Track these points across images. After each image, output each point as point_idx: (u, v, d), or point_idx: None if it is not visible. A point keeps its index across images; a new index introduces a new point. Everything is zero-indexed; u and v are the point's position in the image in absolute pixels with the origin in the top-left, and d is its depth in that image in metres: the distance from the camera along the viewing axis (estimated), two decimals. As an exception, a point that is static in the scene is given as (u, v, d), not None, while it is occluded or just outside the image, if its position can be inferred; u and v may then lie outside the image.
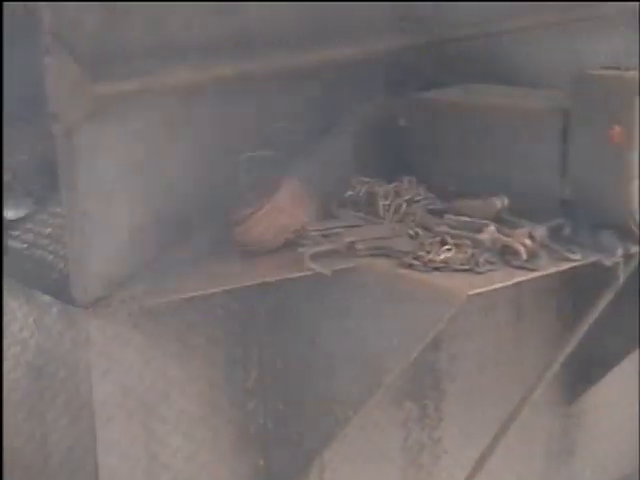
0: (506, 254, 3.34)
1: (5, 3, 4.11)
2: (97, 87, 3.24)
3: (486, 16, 4.12)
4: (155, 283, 3.42)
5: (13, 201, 4.05)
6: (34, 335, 3.69)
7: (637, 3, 4.30)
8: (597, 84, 3.45)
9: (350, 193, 3.77)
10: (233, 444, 3.80)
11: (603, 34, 4.40)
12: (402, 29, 3.94)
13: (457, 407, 4.19)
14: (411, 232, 3.53)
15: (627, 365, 4.38)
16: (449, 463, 4.23)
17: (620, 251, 3.37)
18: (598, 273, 3.42)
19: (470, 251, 3.33)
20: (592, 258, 3.37)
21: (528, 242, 3.35)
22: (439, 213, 3.64)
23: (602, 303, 3.59)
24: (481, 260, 3.30)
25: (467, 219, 3.48)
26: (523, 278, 3.27)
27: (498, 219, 3.49)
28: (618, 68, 3.47)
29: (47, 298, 3.60)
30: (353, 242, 3.45)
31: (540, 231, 3.40)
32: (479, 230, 3.40)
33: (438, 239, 3.40)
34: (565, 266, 3.34)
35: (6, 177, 4.11)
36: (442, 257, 3.32)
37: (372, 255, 3.44)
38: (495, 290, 3.23)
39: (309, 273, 3.34)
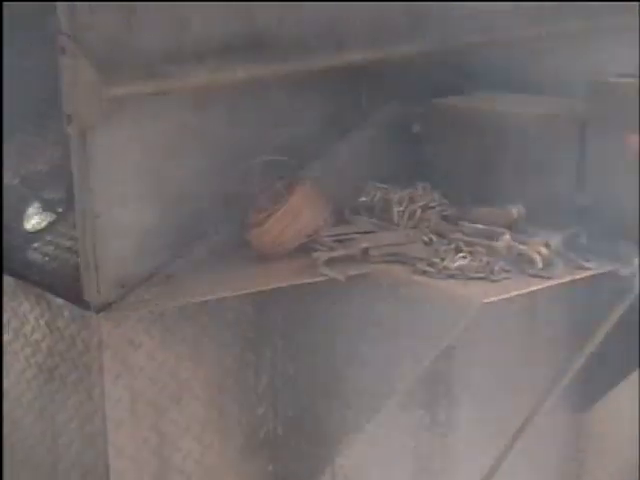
0: (521, 262, 3.33)
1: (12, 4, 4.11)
2: (112, 89, 3.23)
3: (504, 24, 4.10)
4: (168, 287, 3.42)
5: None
6: (46, 337, 3.68)
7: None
8: (614, 92, 3.44)
9: (364, 199, 3.76)
10: (242, 449, 3.79)
11: (620, 43, 4.38)
12: (419, 35, 3.93)
13: (469, 415, 4.16)
14: (425, 239, 3.52)
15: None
16: (460, 471, 4.20)
17: (637, 261, 3.35)
18: (614, 282, 3.40)
19: (485, 259, 3.32)
20: (608, 267, 3.35)
21: (544, 250, 3.33)
22: (454, 220, 3.63)
23: (617, 313, 3.57)
24: (496, 268, 3.29)
25: (482, 227, 3.47)
26: (538, 287, 3.25)
27: (514, 227, 3.47)
28: (634, 76, 3.45)
29: (59, 301, 3.59)
30: (367, 248, 3.44)
31: (556, 240, 3.39)
32: (494, 238, 3.39)
33: (453, 246, 3.39)
34: (580, 275, 3.33)
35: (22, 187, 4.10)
36: (457, 264, 3.31)
37: (386, 261, 3.43)
38: (510, 298, 3.21)
39: (323, 279, 3.33)
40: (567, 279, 3.32)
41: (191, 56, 3.43)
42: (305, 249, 3.51)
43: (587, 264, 3.34)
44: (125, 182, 3.37)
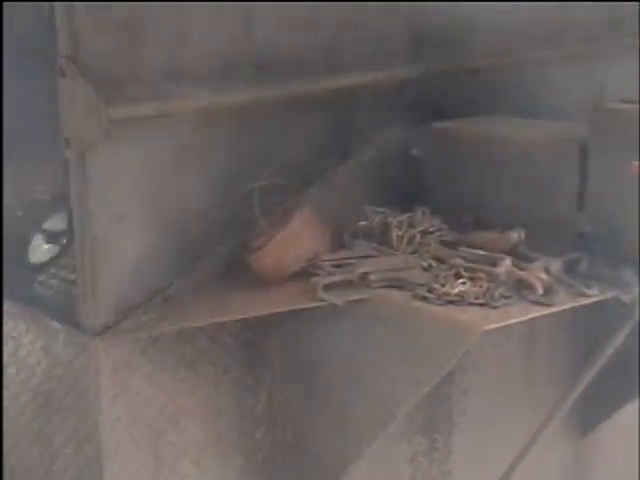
0: (522, 288, 3.31)
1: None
2: (111, 110, 3.21)
3: (504, 47, 4.10)
4: (166, 310, 3.40)
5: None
6: (42, 361, 3.66)
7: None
8: (615, 117, 3.43)
9: (363, 223, 3.74)
10: (240, 473, 3.76)
11: (621, 66, 4.38)
12: (419, 59, 3.93)
13: (467, 441, 4.14)
14: (425, 264, 3.50)
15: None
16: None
17: (637, 287, 3.33)
18: (614, 309, 3.39)
19: (485, 285, 3.30)
20: (609, 294, 3.33)
21: (544, 276, 3.31)
22: (453, 245, 3.61)
23: (618, 339, 3.55)
24: (496, 294, 3.26)
25: (482, 252, 3.45)
26: (539, 314, 3.23)
27: (514, 252, 3.46)
28: (635, 102, 3.44)
29: (55, 324, 3.57)
30: (366, 273, 3.42)
31: (556, 265, 3.37)
32: (494, 263, 3.37)
33: (453, 272, 3.37)
34: (582, 302, 3.31)
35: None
36: (457, 290, 3.29)
37: (385, 286, 3.41)
38: (510, 325, 3.19)
39: (322, 304, 3.31)
40: (568, 306, 3.29)
41: (192, 77, 3.42)
42: (304, 273, 3.49)
43: (588, 291, 3.32)
44: (124, 204, 3.35)
